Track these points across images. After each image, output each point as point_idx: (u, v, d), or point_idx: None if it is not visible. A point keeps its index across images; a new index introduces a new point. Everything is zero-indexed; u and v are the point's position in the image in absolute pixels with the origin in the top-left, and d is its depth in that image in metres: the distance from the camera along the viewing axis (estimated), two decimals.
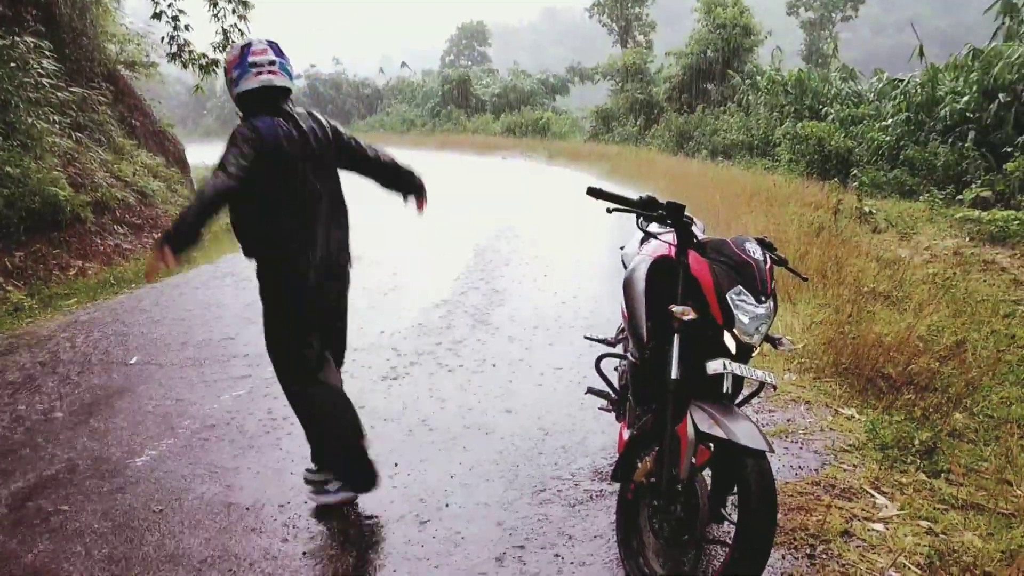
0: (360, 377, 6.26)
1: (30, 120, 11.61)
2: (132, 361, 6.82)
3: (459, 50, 63.26)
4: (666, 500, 3.21)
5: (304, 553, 3.75)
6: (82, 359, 6.91)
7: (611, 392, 4.36)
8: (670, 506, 3.20)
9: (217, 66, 14.46)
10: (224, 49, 14.33)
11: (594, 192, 3.32)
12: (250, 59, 3.83)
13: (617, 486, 3.72)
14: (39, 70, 12.49)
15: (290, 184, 3.81)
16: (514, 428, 5.23)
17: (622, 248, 4.69)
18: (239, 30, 14.24)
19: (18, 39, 12.19)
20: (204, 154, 24.74)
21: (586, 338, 5.06)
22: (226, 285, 9.82)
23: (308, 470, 4.27)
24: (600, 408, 4.62)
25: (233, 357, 6.82)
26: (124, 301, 8.95)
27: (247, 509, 4.18)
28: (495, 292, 9.09)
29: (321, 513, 4.11)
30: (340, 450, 4.13)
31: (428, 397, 5.83)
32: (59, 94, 13.04)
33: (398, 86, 47.24)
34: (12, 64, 11.88)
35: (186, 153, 19.82)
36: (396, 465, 4.67)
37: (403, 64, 48.70)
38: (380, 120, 43.70)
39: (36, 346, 7.29)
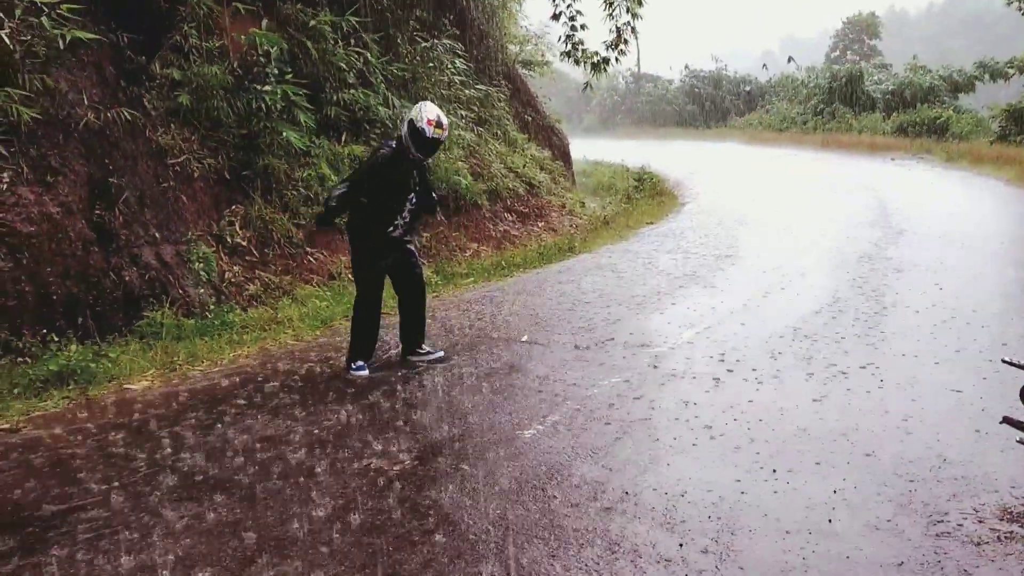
0: (737, 379, 6.15)
1: None
2: (523, 339, 7.32)
3: (845, 45, 59.86)
4: None
5: (681, 544, 3.75)
6: (480, 333, 7.56)
7: None
8: None
9: (608, 64, 14.99)
10: (616, 47, 14.75)
11: None
12: None
13: None
14: (452, 70, 13.81)
15: None
16: (905, 449, 4.82)
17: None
18: (631, 27, 14.58)
19: (437, 42, 13.57)
20: (584, 149, 25.99)
21: (1004, 362, 4.42)
22: (605, 274, 10.16)
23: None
24: (1018, 441, 4.07)
25: (613, 345, 7.04)
26: (512, 283, 9.64)
27: (626, 493, 4.27)
28: (881, 299, 8.46)
29: (694, 506, 4.08)
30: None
31: (807, 405, 5.57)
32: (467, 91, 14.33)
33: (780, 82, 45.76)
34: (431, 64, 13.27)
35: (569, 147, 20.79)
36: (774, 471, 4.52)
37: (789, 59, 46.89)
38: (759, 117, 42.66)
39: (440, 318, 8.09)
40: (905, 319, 7.75)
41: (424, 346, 6.71)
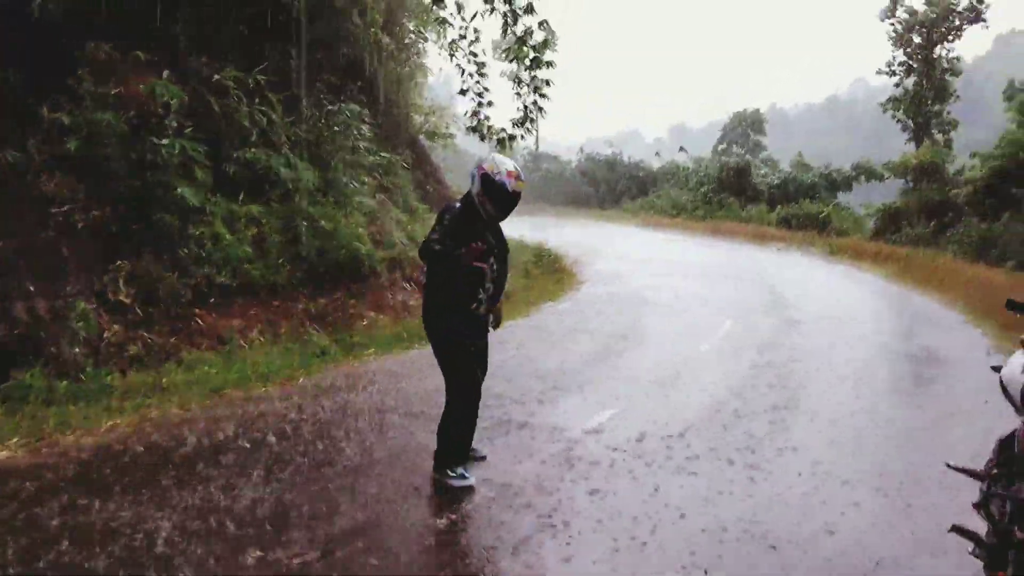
0: (654, 469, 5.98)
1: (345, 180, 12.61)
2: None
3: (732, 138, 62.61)
4: None
5: None
6: (383, 410, 7.17)
7: (987, 534, 3.69)
8: None
9: (514, 140, 15.06)
10: (523, 125, 14.86)
11: (1016, 306, 3.09)
12: None
13: None
14: (357, 135, 13.60)
15: None
16: (836, 552, 4.71)
17: (995, 368, 4.06)
18: (539, 107, 14.72)
19: (344, 106, 13.37)
20: None
21: (948, 466, 4.18)
22: (510, 352, 9.89)
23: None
24: (970, 553, 3.89)
25: (525, 428, 6.79)
26: (415, 357, 9.25)
27: None
28: (789, 388, 8.50)
29: None
30: None
31: (728, 499, 5.42)
32: (371, 158, 14.12)
33: (671, 170, 47.40)
34: (336, 128, 13.03)
35: None
36: (705, 572, 4.32)
37: (681, 148, 48.88)
38: (651, 201, 43.89)
39: (340, 392, 7.69)
40: (814, 410, 7.77)
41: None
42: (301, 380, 7.96)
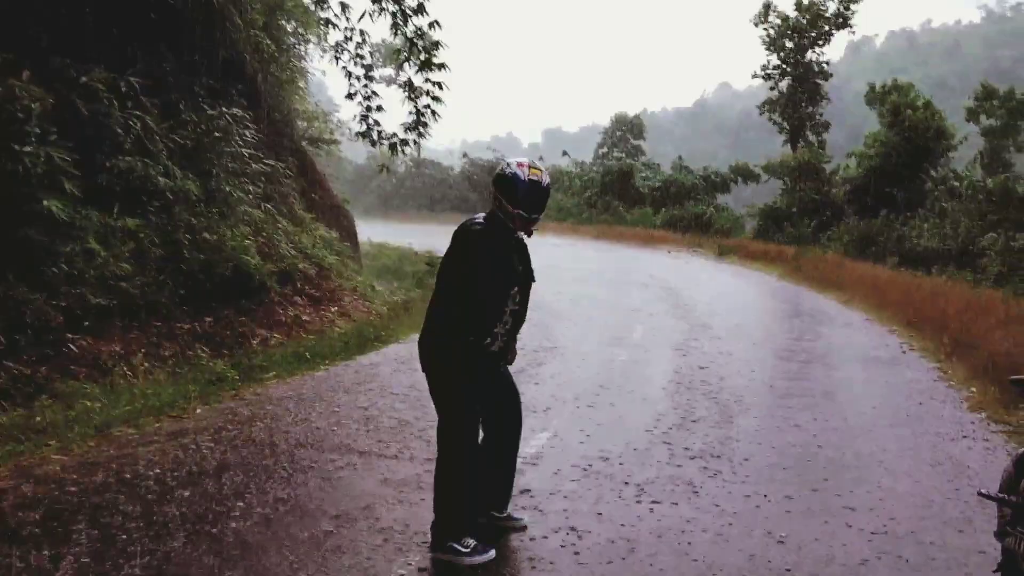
0: (619, 501, 5.57)
1: (228, 189, 11.80)
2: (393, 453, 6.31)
3: (613, 142, 63.52)
4: None
5: None
6: (292, 443, 6.50)
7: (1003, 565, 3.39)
8: None
9: (407, 145, 14.53)
10: (415, 129, 14.36)
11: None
12: None
13: None
14: (240, 141, 12.77)
15: None
16: None
17: (1016, 383, 3.76)
18: (431, 110, 14.24)
19: (225, 110, 12.52)
20: (367, 231, 25.27)
21: (980, 494, 3.64)
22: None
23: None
24: None
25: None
26: (324, 379, 8.61)
27: None
28: (720, 400, 8.24)
29: None
30: None
31: (704, 536, 5.01)
32: (254, 165, 13.31)
33: (553, 174, 47.73)
34: (217, 134, 12.18)
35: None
36: None
37: (564, 152, 49.27)
38: None
39: (247, 423, 6.99)
40: (751, 424, 7.54)
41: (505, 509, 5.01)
42: (198, 411, 7.18)
